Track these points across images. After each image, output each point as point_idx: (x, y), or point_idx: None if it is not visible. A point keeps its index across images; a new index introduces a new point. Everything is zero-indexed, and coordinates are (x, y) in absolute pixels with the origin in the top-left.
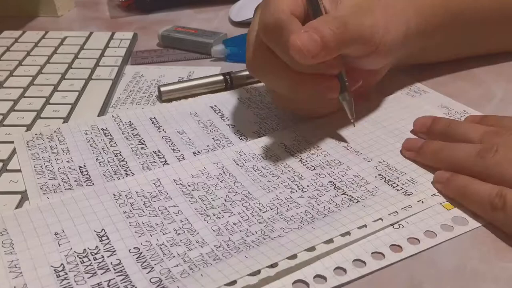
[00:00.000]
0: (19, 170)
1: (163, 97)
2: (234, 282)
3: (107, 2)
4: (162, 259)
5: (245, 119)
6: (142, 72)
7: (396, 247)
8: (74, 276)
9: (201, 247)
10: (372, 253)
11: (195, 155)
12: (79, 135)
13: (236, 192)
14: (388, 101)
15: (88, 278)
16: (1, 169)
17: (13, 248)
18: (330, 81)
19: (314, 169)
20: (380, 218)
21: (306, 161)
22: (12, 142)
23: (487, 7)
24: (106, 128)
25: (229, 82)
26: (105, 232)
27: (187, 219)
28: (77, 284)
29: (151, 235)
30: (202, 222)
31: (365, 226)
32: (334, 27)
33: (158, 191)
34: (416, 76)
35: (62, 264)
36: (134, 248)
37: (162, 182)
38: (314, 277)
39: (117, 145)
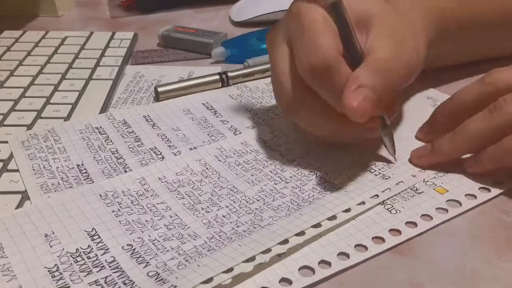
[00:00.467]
0: (19, 170)
1: (160, 98)
2: (230, 270)
3: (108, 2)
4: (156, 254)
5: (237, 114)
6: (143, 72)
7: (395, 231)
8: (70, 275)
9: (194, 239)
10: (372, 238)
11: (191, 151)
12: (74, 134)
13: (222, 187)
14: None
15: (84, 276)
16: (1, 169)
17: (4, 252)
18: (373, 122)
19: (294, 161)
20: (363, 201)
21: (286, 153)
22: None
23: (488, 14)
24: (101, 127)
25: (225, 82)
26: (96, 232)
27: (176, 215)
28: (73, 283)
29: (142, 231)
30: (192, 217)
31: (349, 209)
32: (384, 79)
33: (144, 189)
34: (426, 82)
35: (56, 264)
36: (127, 245)
37: (147, 181)
38: (319, 262)
39: (113, 143)
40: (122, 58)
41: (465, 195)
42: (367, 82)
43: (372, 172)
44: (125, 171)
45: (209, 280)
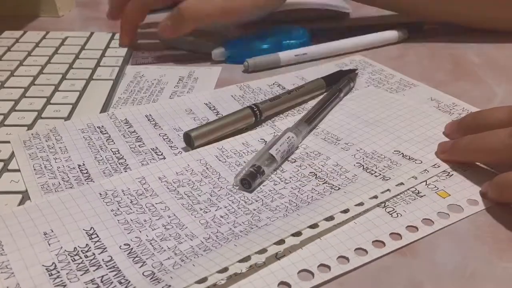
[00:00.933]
0: (20, 170)
1: (196, 143)
2: (225, 270)
3: (108, 2)
4: (153, 254)
5: None
6: (143, 72)
7: (396, 235)
8: (67, 274)
9: (191, 240)
10: (373, 241)
11: None
12: (76, 133)
13: (221, 187)
14: (371, 95)
15: (81, 275)
16: (2, 169)
17: (3, 249)
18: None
19: (294, 162)
20: (361, 202)
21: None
22: None
23: None
24: (103, 126)
25: (258, 117)
26: (95, 230)
27: (174, 215)
28: (70, 281)
29: (140, 231)
30: (190, 217)
31: (347, 210)
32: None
33: (144, 188)
34: (416, 75)
35: (53, 263)
36: (124, 244)
37: (147, 180)
38: (318, 266)
39: (114, 143)
40: (123, 58)
41: (467, 200)
42: None
43: (372, 174)
44: (126, 172)
45: (204, 280)
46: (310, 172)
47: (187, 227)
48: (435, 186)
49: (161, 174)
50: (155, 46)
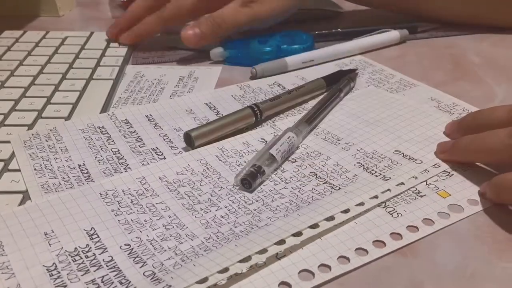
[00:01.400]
0: (20, 170)
1: (196, 143)
2: (225, 270)
3: (108, 2)
4: (153, 254)
5: None
6: (143, 72)
7: (396, 235)
8: (67, 274)
9: (191, 240)
10: (373, 241)
11: None
12: (76, 133)
13: (221, 187)
14: (371, 95)
15: (82, 275)
16: (2, 169)
17: (4, 250)
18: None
19: (295, 162)
20: (362, 202)
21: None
22: None
23: None
24: (103, 126)
25: (259, 117)
26: (95, 231)
27: (175, 215)
28: (70, 282)
29: (140, 231)
30: (190, 217)
31: (348, 210)
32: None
33: (144, 188)
34: (416, 75)
35: (54, 263)
36: (125, 244)
37: (147, 180)
38: (319, 266)
39: (115, 143)
40: (123, 58)
41: (468, 200)
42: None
43: (372, 173)
44: (127, 172)
45: (204, 280)
46: (310, 172)
47: (187, 227)
48: (436, 186)
49: (162, 174)
50: (155, 46)
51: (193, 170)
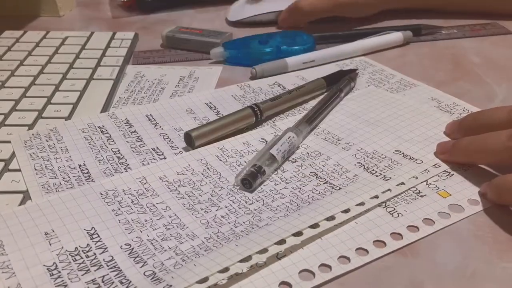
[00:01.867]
0: (20, 170)
1: (196, 143)
2: (226, 270)
3: (109, 2)
4: (154, 253)
5: None
6: (144, 72)
7: (397, 235)
8: (68, 274)
9: (192, 239)
10: (373, 241)
11: None
12: (77, 133)
13: (222, 187)
14: (372, 95)
15: (82, 275)
16: (3, 168)
17: (4, 249)
18: None
19: (295, 162)
20: (362, 202)
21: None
22: None
23: None
24: (103, 126)
25: (259, 117)
26: (95, 230)
27: (175, 215)
28: (71, 281)
29: (141, 231)
30: (191, 217)
31: (348, 210)
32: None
33: (145, 188)
34: (417, 75)
35: (54, 263)
36: (125, 244)
37: (148, 180)
38: (319, 266)
39: (115, 143)
40: (123, 58)
41: (468, 200)
42: None
43: (373, 173)
44: (126, 172)
45: (205, 279)
46: (311, 172)
47: (188, 227)
48: (436, 186)
49: (162, 173)
50: (156, 45)
51: (193, 170)
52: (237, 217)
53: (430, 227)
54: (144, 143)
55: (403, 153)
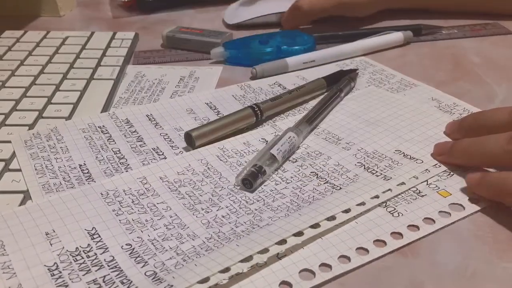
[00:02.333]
0: (21, 170)
1: (197, 143)
2: (227, 270)
3: (109, 2)
4: (155, 253)
5: None
6: (144, 72)
7: (397, 235)
8: (69, 274)
9: (193, 239)
10: (374, 241)
11: None
12: (77, 133)
13: (222, 187)
14: (372, 95)
15: (83, 275)
16: (3, 168)
17: (5, 250)
18: None
19: (296, 161)
20: (363, 202)
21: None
22: None
23: None
24: (104, 126)
25: (259, 117)
26: (96, 230)
27: (176, 215)
28: (72, 281)
29: (142, 231)
30: (191, 217)
31: (349, 210)
32: None
33: (145, 188)
34: (417, 76)
35: (55, 263)
36: (126, 244)
37: (148, 180)
38: (320, 265)
39: (115, 143)
40: (123, 58)
41: (469, 199)
42: None
43: (373, 173)
44: (127, 172)
45: (206, 279)
46: (311, 172)
47: (188, 227)
48: (436, 186)
49: (163, 174)
50: (156, 45)
51: (194, 170)
52: (238, 217)
53: (431, 226)
54: (145, 143)
55: (403, 153)
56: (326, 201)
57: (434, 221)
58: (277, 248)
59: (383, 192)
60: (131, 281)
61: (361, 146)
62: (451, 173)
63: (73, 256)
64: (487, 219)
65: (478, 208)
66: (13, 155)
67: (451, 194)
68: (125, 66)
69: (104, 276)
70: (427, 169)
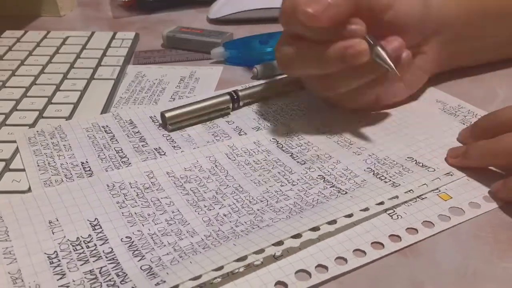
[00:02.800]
0: (22, 170)
1: (169, 122)
2: (220, 268)
3: (110, 2)
4: (153, 248)
5: (243, 115)
6: (144, 72)
7: (395, 237)
8: (67, 263)
9: (192, 236)
10: (372, 243)
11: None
12: (80, 132)
13: (227, 185)
14: None
15: (81, 265)
16: (4, 168)
17: (8, 235)
18: (358, 43)
19: (304, 164)
20: (367, 208)
21: (297, 155)
22: (15, 141)
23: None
24: (107, 126)
25: (236, 101)
26: (98, 221)
27: (178, 210)
28: (69, 270)
29: (143, 225)
30: (193, 213)
31: (351, 214)
32: None
33: (151, 182)
34: (435, 84)
35: (55, 251)
36: (126, 237)
37: (155, 174)
38: (316, 266)
39: (118, 142)
40: (124, 58)
41: (469, 203)
42: None
43: (382, 179)
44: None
45: (198, 277)
46: (318, 175)
47: (189, 223)
48: (437, 189)
49: (170, 169)
50: (157, 45)
51: (201, 166)
52: (239, 216)
53: (430, 229)
54: (147, 143)
55: (415, 160)
56: (329, 205)
57: (433, 224)
58: (273, 249)
59: (390, 198)
60: (126, 274)
61: (372, 151)
62: (448, 175)
63: (73, 246)
64: (488, 219)
65: (478, 212)
66: (14, 155)
67: (451, 198)
68: (125, 66)
69: (101, 268)
70: (438, 177)
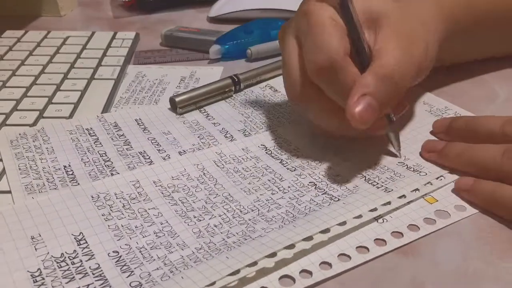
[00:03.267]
0: (4, 169)
1: (179, 106)
2: (213, 284)
3: (110, 2)
4: (142, 263)
5: (230, 118)
6: (145, 72)
7: (380, 241)
8: (52, 281)
9: (182, 249)
10: (356, 247)
11: (180, 155)
12: (64, 134)
13: (217, 194)
14: None
15: (66, 283)
16: (3, 170)
17: None
18: (380, 121)
19: (294, 170)
20: (360, 215)
21: (287, 162)
22: None
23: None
24: (91, 128)
25: (237, 83)
26: (83, 236)
27: (167, 222)
28: None
29: (130, 238)
30: (183, 225)
31: (345, 222)
32: (390, 86)
33: (138, 192)
34: (421, 86)
35: (39, 269)
36: (113, 251)
37: (141, 184)
38: (300, 272)
39: (102, 146)
40: (124, 58)
41: (455, 206)
42: (371, 90)
43: (374, 185)
44: (112, 174)
45: None
46: (309, 182)
47: (179, 236)
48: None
49: (156, 178)
50: (157, 45)
51: (189, 175)
52: (231, 227)
53: (415, 233)
54: (131, 147)
55: (406, 165)
56: (322, 212)
57: (418, 228)
58: (267, 262)
59: (382, 204)
60: None
61: (362, 156)
62: (439, 179)
63: (57, 263)
64: (488, 219)
65: (464, 215)
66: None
67: (437, 201)
68: (125, 66)
69: (88, 285)
70: (429, 182)
